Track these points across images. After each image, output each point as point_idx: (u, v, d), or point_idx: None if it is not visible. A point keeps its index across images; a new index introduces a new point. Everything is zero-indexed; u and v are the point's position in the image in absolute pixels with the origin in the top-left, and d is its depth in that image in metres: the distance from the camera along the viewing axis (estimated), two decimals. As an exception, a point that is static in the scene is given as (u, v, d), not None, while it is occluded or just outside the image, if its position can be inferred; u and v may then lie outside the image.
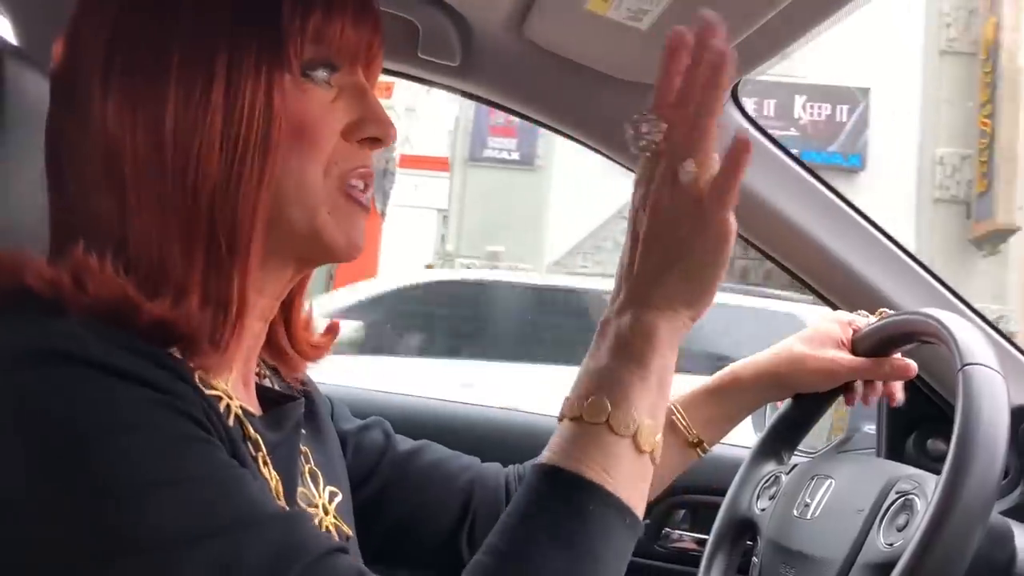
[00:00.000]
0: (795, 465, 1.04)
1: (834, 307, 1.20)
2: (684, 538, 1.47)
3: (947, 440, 0.91)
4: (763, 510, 1.02)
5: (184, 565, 0.52)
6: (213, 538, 0.53)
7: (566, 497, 0.60)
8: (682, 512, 1.47)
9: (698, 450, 0.97)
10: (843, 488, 0.93)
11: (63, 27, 0.67)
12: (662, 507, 1.44)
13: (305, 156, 0.65)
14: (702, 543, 1.44)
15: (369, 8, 0.70)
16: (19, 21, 1.03)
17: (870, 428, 1.44)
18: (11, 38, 1.03)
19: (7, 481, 0.53)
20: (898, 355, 0.98)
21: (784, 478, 1.02)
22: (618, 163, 1.23)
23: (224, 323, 0.63)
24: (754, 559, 1.01)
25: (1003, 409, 0.76)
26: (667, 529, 1.47)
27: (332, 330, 0.83)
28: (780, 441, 1.07)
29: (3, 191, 0.76)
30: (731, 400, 0.98)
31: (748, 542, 1.06)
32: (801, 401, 1.04)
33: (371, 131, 0.69)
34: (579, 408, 0.62)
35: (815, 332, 0.98)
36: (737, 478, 1.07)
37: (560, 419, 0.64)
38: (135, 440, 0.54)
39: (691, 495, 1.42)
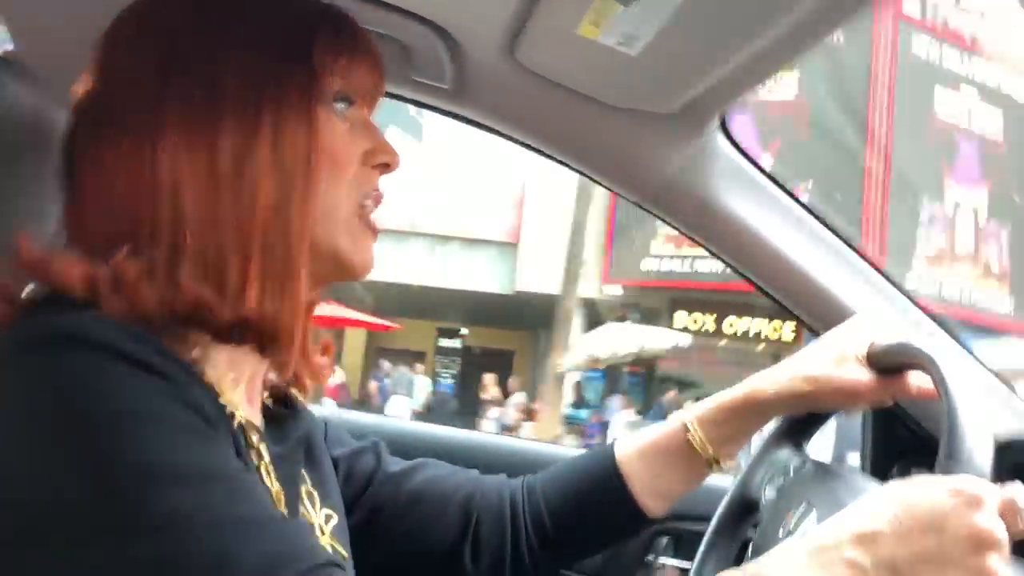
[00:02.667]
0: (804, 464, 1.01)
1: (815, 333, 1.20)
2: (668, 566, 1.46)
3: (931, 471, 0.90)
4: (768, 500, 1.01)
5: (182, 553, 0.54)
6: (214, 530, 0.55)
7: None
8: (665, 540, 1.46)
9: (713, 466, 0.97)
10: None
11: (62, 35, 0.69)
12: (646, 534, 1.43)
13: (332, 180, 0.73)
14: (686, 572, 1.44)
15: (377, 54, 0.80)
16: (17, 29, 1.03)
17: (853, 458, 1.44)
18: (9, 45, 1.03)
19: (23, 459, 0.56)
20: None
21: (792, 473, 1.00)
22: (610, 190, 1.23)
23: (293, 320, 0.69)
24: (748, 553, 1.00)
25: (988, 444, 0.75)
26: (651, 556, 1.46)
27: (327, 349, 0.86)
28: (798, 428, 1.05)
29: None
30: (748, 418, 0.97)
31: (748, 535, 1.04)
32: None
33: (384, 158, 0.79)
34: None
35: (836, 348, 0.94)
36: (753, 458, 1.05)
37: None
38: (148, 428, 0.57)
39: (675, 523, 1.41)
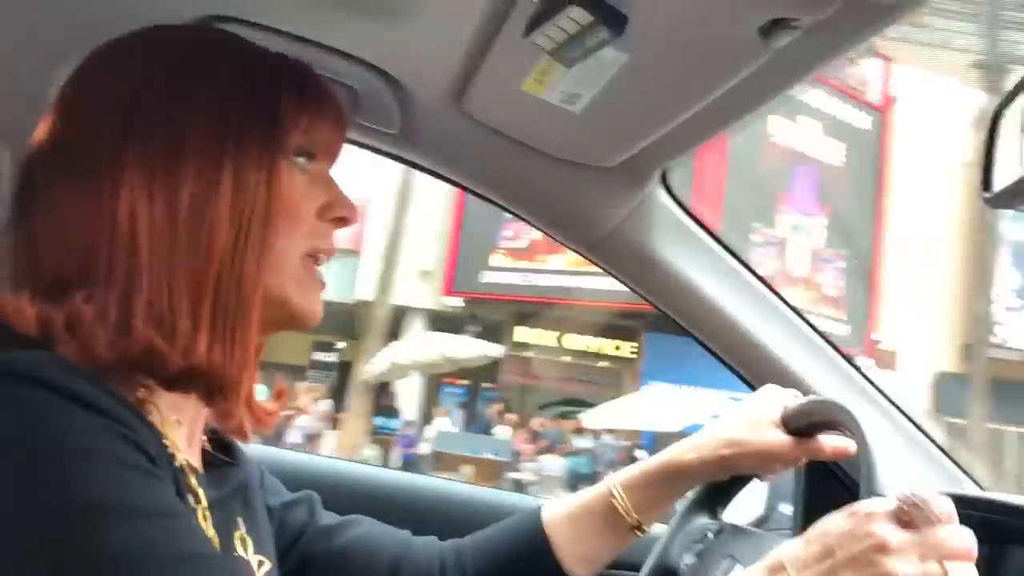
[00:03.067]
0: (721, 529, 1.04)
1: (751, 386, 1.22)
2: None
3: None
4: (687, 565, 1.02)
5: None
6: (160, 567, 0.56)
7: None
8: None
9: (637, 532, 0.98)
10: None
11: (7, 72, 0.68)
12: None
13: (288, 231, 0.73)
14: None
15: (342, 111, 0.81)
16: None
17: (785, 507, 1.46)
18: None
19: None
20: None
21: (711, 536, 1.02)
22: (553, 238, 1.25)
23: (241, 372, 0.70)
24: None
25: (902, 480, 0.77)
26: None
27: (281, 395, 0.86)
28: (715, 495, 1.07)
29: None
30: (672, 484, 0.98)
31: None
32: None
33: (340, 212, 0.79)
34: None
35: (753, 414, 0.97)
36: (670, 528, 1.06)
37: None
38: (89, 465, 0.57)
39: (604, 570, 1.42)
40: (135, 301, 0.65)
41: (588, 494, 0.99)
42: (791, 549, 0.68)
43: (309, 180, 0.76)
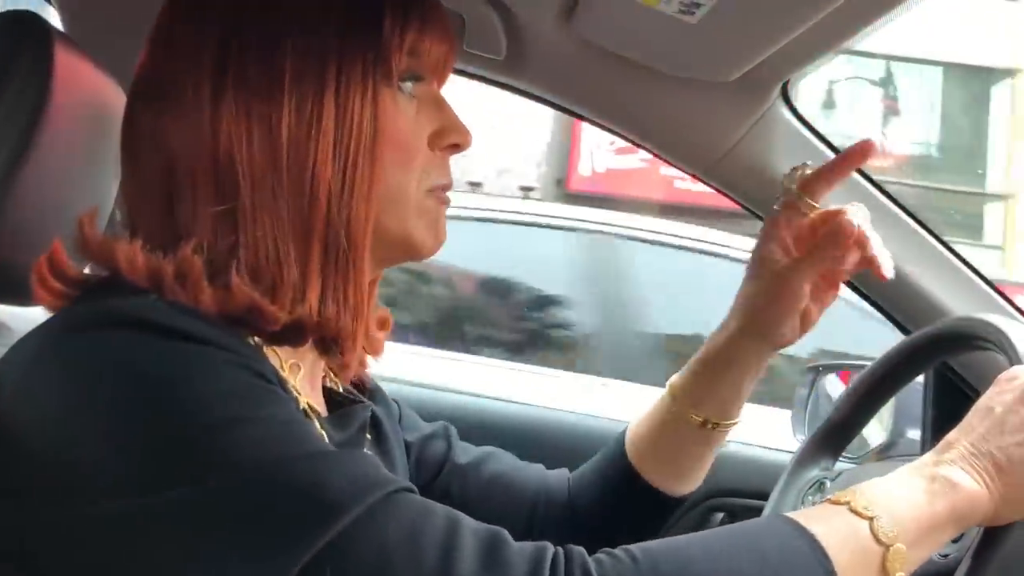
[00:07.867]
0: (840, 473, 1.01)
1: (886, 313, 1.17)
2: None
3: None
4: None
5: (272, 486, 0.53)
6: (297, 461, 0.54)
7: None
8: (720, 516, 1.45)
9: (710, 428, 0.88)
10: None
11: (110, 14, 0.67)
12: (700, 509, 1.42)
13: (400, 166, 0.69)
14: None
15: (449, 25, 0.75)
16: (65, 8, 1.03)
17: (913, 434, 1.40)
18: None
19: (88, 444, 0.54)
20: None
21: (829, 485, 0.99)
22: (668, 162, 1.21)
23: (355, 322, 0.67)
24: None
25: None
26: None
27: (385, 323, 0.84)
28: (826, 445, 1.04)
29: (49, 177, 0.76)
30: (715, 370, 0.88)
31: None
32: (848, 404, 1.01)
33: (453, 138, 0.74)
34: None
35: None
36: (781, 482, 1.03)
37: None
38: (212, 387, 0.55)
39: (730, 498, 1.40)
40: (240, 251, 0.63)
41: (653, 404, 0.92)
42: (959, 428, 0.68)
43: (417, 106, 0.71)
